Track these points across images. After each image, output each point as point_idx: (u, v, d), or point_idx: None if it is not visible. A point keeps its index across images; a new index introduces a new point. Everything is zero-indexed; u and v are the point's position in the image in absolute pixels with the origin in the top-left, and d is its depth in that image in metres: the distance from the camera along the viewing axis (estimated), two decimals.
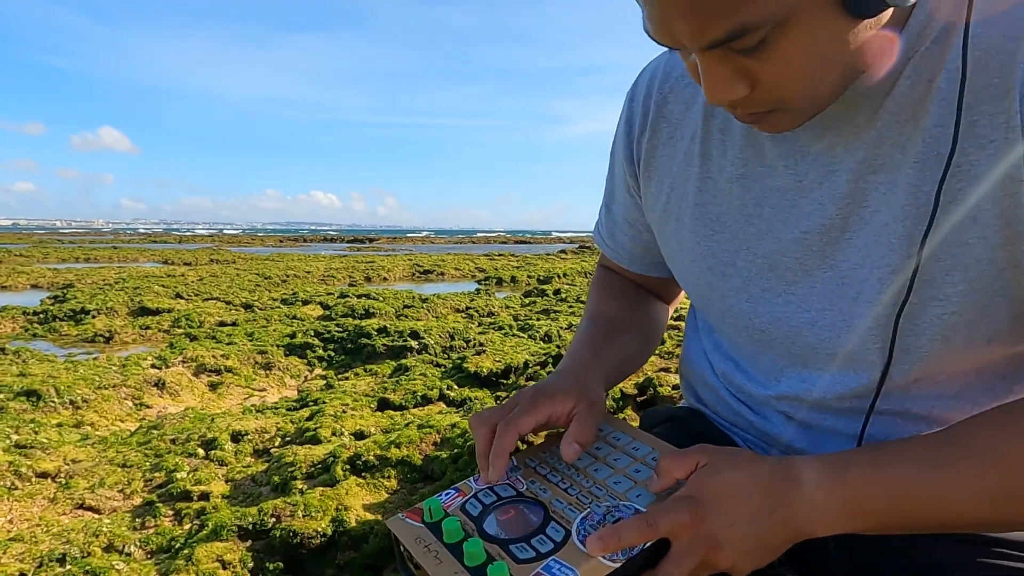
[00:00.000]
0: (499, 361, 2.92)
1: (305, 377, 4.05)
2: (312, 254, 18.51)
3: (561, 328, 4.94)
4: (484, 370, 2.83)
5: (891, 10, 0.44)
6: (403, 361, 3.71)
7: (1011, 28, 0.46)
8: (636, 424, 0.73)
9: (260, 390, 3.73)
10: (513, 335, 4.77)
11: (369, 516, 1.56)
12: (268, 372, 3.95)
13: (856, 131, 0.52)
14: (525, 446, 0.68)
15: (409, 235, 66.58)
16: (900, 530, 0.49)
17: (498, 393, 2.56)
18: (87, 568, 1.39)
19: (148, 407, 3.23)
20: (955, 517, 0.47)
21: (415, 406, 2.51)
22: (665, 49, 0.63)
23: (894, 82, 0.50)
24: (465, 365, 2.92)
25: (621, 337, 0.74)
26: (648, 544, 0.48)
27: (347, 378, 3.74)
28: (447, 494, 0.60)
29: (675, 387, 2.61)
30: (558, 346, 3.09)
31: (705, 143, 0.62)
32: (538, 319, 5.45)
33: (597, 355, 0.69)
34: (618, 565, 0.48)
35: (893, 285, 0.51)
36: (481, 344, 4.24)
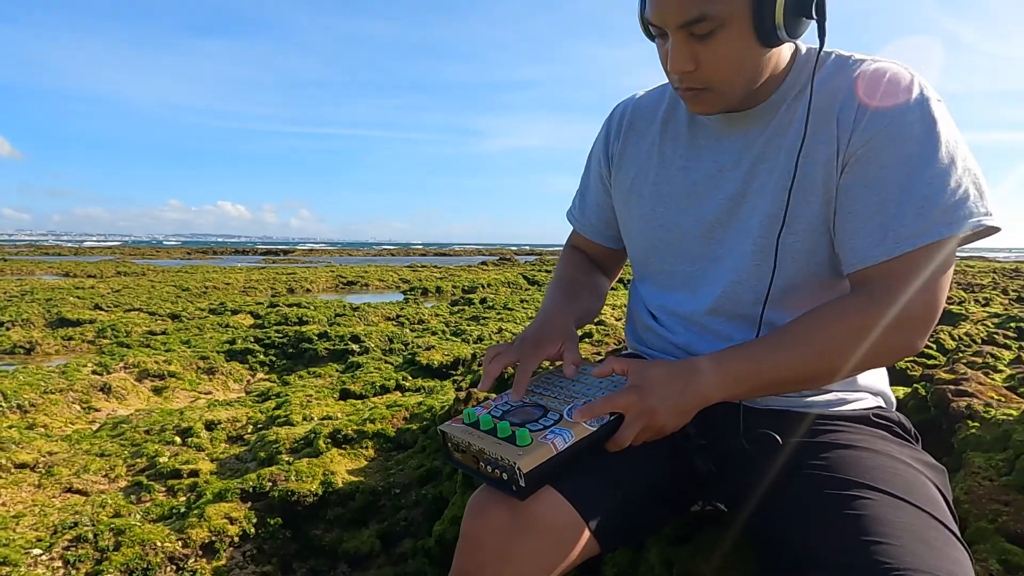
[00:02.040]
0: (448, 355, 3.21)
1: (248, 381, 4.18)
2: (228, 266, 17.99)
3: (492, 332, 5.27)
4: (435, 363, 3.11)
5: (784, 49, 0.81)
6: (355, 359, 3.92)
7: (839, 78, 0.84)
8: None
9: (206, 393, 3.83)
10: (447, 339, 5.06)
11: (353, 479, 1.82)
12: (212, 376, 4.05)
13: (755, 134, 0.89)
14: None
15: (327, 247, 65.04)
16: (762, 392, 0.84)
17: (447, 382, 2.85)
18: (111, 527, 1.57)
19: (96, 410, 3.30)
20: (792, 379, 0.83)
21: (375, 395, 2.76)
22: (632, 95, 1.03)
23: (777, 104, 0.87)
24: (417, 359, 3.19)
25: (581, 294, 1.08)
26: (611, 416, 0.81)
27: (289, 383, 3.91)
28: (476, 409, 0.91)
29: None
30: (501, 339, 3.41)
31: (661, 145, 0.99)
32: (468, 325, 5.76)
33: (567, 306, 1.03)
34: (594, 429, 0.81)
35: (772, 228, 0.87)
36: (420, 346, 4.51)
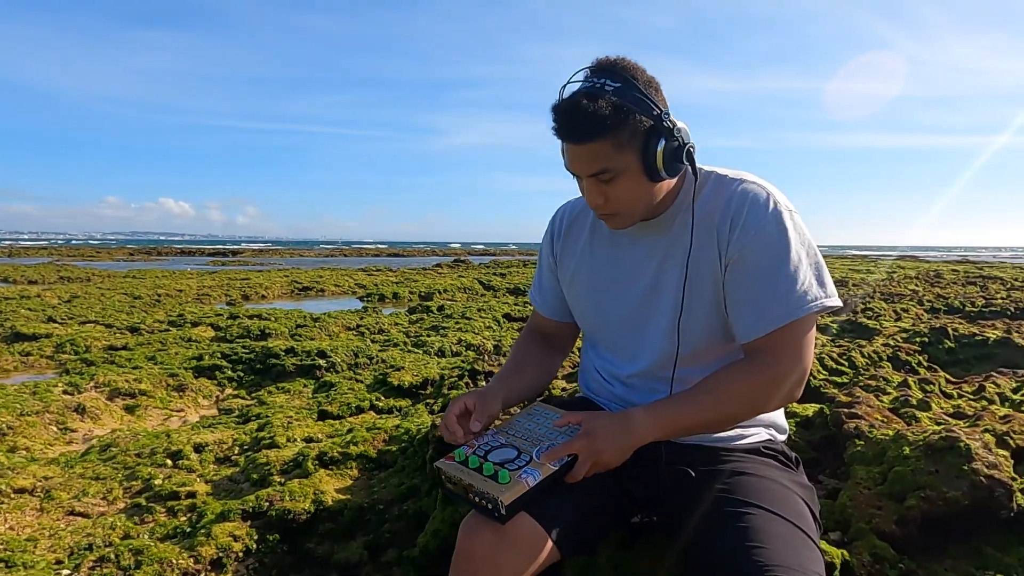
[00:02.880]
0: (417, 375, 3.46)
1: (217, 397, 4.32)
2: (175, 269, 17.66)
3: (452, 344, 5.52)
4: (406, 383, 3.36)
5: (670, 180, 1.10)
6: (327, 378, 4.12)
7: (716, 198, 1.14)
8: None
9: (178, 411, 3.97)
10: (409, 351, 5.29)
11: (341, 497, 2.05)
12: (182, 394, 4.18)
13: (659, 237, 1.20)
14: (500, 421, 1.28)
15: (276, 247, 63.77)
16: (681, 434, 1.14)
17: (421, 403, 3.10)
18: (129, 547, 1.77)
19: (73, 431, 3.42)
20: (702, 425, 1.13)
21: (351, 415, 2.98)
22: (569, 200, 1.34)
23: (673, 215, 1.17)
24: (389, 379, 3.42)
25: (525, 374, 1.36)
26: (568, 457, 1.09)
27: (259, 397, 4.07)
28: (464, 448, 1.18)
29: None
30: (464, 360, 3.67)
31: (592, 246, 1.30)
32: (429, 335, 5.99)
33: (501, 384, 1.30)
34: (556, 468, 1.09)
35: (675, 312, 1.17)
36: (383, 360, 4.73)
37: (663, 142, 1.07)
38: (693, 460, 1.19)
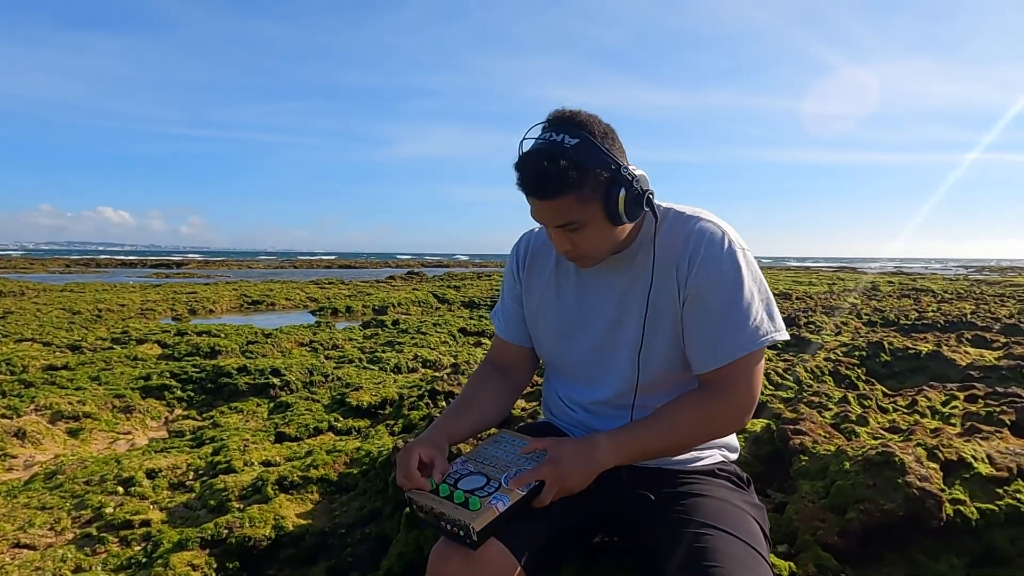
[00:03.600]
0: (376, 395, 3.45)
1: (167, 419, 4.20)
2: (116, 282, 17.01)
3: (408, 359, 5.51)
4: (364, 403, 3.34)
5: (631, 223, 1.17)
6: (283, 397, 4.05)
7: (674, 236, 1.22)
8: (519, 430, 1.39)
9: (125, 433, 3.85)
10: (365, 367, 5.25)
11: (302, 521, 2.05)
12: (129, 416, 4.05)
13: (622, 272, 1.27)
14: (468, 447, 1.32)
15: (222, 258, 62.05)
16: (641, 459, 1.20)
17: (381, 424, 3.09)
18: None
19: (13, 457, 3.28)
20: (659, 450, 1.20)
21: (309, 436, 2.95)
22: (532, 230, 1.39)
23: (635, 251, 1.24)
24: (348, 399, 3.40)
25: (471, 414, 1.37)
26: (535, 483, 1.14)
27: (212, 418, 3.98)
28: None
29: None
30: (423, 379, 3.68)
31: (556, 276, 1.36)
32: (384, 351, 5.96)
33: (447, 425, 1.31)
34: (524, 493, 1.13)
35: (636, 345, 1.24)
36: (339, 378, 4.68)
37: (623, 191, 1.14)
38: (652, 483, 1.25)
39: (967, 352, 4.08)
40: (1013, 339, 4.66)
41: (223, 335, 6.60)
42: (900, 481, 1.63)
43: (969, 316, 6.42)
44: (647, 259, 1.24)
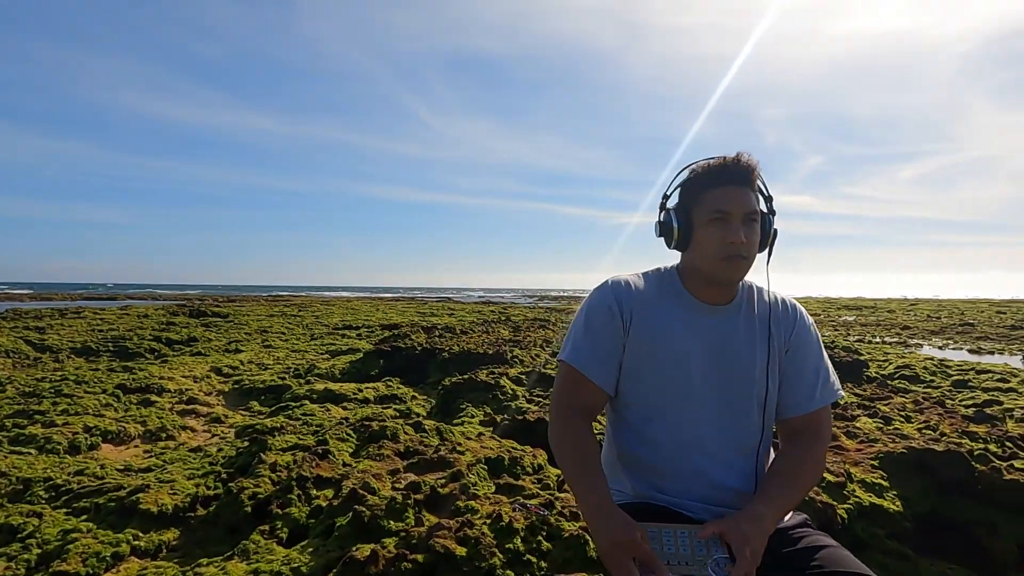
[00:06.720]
0: None
1: None
2: None
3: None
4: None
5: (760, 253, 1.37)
6: None
7: (764, 299, 1.41)
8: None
9: None
10: None
11: None
12: None
13: (732, 324, 1.37)
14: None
15: None
16: (788, 511, 1.27)
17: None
18: None
19: None
20: (794, 505, 1.28)
21: None
22: (601, 282, 1.42)
23: (740, 303, 1.40)
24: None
25: (600, 473, 1.29)
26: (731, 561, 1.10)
27: None
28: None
29: None
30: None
31: (665, 320, 1.37)
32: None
33: (610, 499, 1.22)
34: None
35: (761, 390, 1.35)
36: None
37: (774, 223, 1.37)
38: (771, 543, 1.31)
39: None
40: None
41: None
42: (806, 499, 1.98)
43: None
44: (751, 311, 1.40)
